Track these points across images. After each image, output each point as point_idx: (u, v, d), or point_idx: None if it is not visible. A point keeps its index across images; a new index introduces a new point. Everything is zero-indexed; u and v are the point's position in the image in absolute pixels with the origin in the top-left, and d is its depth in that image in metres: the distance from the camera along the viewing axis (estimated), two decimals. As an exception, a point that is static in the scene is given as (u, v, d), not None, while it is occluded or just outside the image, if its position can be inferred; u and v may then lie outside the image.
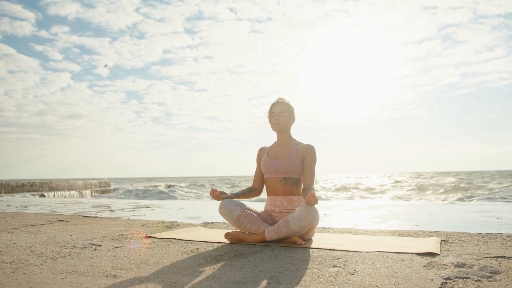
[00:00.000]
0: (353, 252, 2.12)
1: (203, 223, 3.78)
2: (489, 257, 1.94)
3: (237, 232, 2.52)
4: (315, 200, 2.26)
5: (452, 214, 5.34)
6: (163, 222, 3.78)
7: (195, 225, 3.58)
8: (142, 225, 3.49)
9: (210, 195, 2.61)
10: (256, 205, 2.75)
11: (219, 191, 2.61)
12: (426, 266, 1.78)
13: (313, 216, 2.32)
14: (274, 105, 2.72)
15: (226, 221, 3.16)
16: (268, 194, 2.72)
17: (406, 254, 2.04)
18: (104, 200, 10.49)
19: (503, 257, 1.94)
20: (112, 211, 6.30)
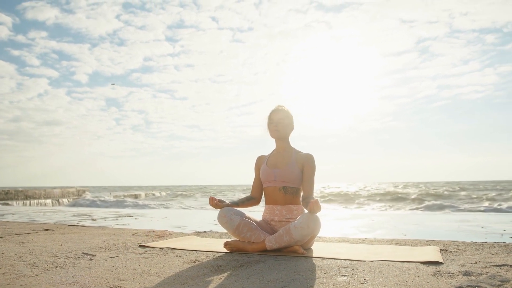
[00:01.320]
0: (358, 261, 2.11)
1: (195, 232, 3.71)
2: (493, 266, 1.95)
3: (236, 241, 2.48)
4: (319, 207, 2.24)
5: (437, 223, 5.42)
6: (153, 231, 3.69)
7: (187, 234, 3.50)
8: (133, 234, 3.40)
9: (209, 203, 2.56)
10: (253, 214, 2.70)
11: (218, 199, 2.56)
12: (434, 275, 1.78)
13: (316, 224, 2.30)
14: (273, 112, 2.70)
15: (225, 230, 3.11)
16: (267, 203, 2.68)
17: (411, 263, 2.04)
18: (83, 209, 10.22)
19: (507, 265, 1.96)
20: (94, 220, 6.15)
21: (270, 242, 2.38)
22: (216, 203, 2.53)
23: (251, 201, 2.73)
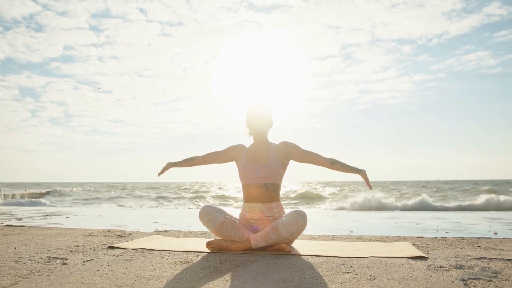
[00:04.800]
0: (349, 258, 2.13)
1: (155, 230, 3.52)
2: (473, 259, 2.09)
3: (219, 240, 2.38)
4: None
5: (374, 220, 5.74)
6: (109, 231, 3.43)
7: (148, 233, 3.31)
8: (89, 235, 3.12)
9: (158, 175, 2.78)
10: (230, 211, 2.62)
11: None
12: (429, 269, 1.86)
13: (304, 221, 2.29)
14: (252, 108, 2.64)
15: (193, 229, 2.98)
16: (246, 200, 2.61)
17: (400, 259, 2.11)
18: (0, 208, 9.22)
19: (484, 258, 2.11)
20: (19, 219, 5.61)
21: (256, 240, 2.32)
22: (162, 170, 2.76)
23: (190, 161, 2.78)
